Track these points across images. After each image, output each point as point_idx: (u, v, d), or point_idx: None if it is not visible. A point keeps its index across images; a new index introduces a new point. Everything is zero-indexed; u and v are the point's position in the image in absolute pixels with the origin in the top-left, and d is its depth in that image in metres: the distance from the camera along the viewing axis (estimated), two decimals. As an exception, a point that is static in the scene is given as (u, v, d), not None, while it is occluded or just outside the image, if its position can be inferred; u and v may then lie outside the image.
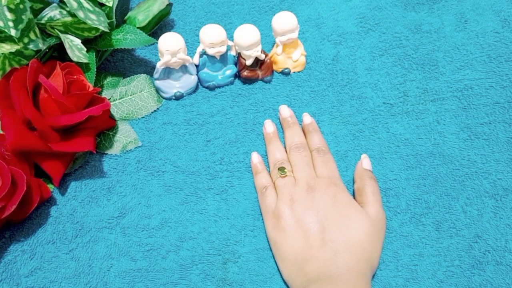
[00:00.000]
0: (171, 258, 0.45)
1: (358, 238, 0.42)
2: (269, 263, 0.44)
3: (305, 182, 0.45)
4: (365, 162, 0.48)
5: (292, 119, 0.51)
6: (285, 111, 0.51)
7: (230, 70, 0.53)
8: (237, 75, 0.54)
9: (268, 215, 0.45)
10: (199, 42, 0.52)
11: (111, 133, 0.51)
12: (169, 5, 0.56)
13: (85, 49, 0.49)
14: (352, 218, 0.43)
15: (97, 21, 0.48)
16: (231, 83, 0.54)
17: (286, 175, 0.46)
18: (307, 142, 0.49)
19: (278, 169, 0.47)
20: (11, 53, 0.46)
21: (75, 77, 0.47)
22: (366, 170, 0.47)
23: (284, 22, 0.51)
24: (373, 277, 0.43)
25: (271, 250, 0.45)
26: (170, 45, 0.49)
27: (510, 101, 0.52)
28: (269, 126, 0.51)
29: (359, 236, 0.42)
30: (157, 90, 0.53)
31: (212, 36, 0.50)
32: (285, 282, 0.43)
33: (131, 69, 0.55)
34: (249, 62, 0.52)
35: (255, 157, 0.49)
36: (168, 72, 0.51)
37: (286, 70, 0.54)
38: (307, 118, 0.51)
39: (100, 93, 0.52)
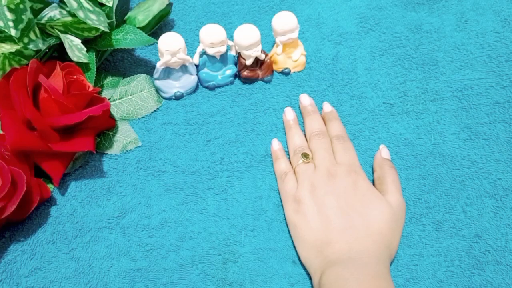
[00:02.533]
0: (171, 258, 0.45)
1: (378, 225, 0.42)
2: (269, 263, 0.44)
3: (325, 168, 0.45)
4: (384, 151, 0.49)
5: (312, 107, 0.51)
6: (305, 100, 0.52)
7: (230, 70, 0.53)
8: (237, 75, 0.54)
9: (288, 200, 0.45)
10: (199, 42, 0.52)
11: (111, 133, 0.51)
12: (169, 5, 0.56)
13: (85, 49, 0.49)
14: (372, 205, 0.43)
15: (97, 21, 0.48)
16: (231, 83, 0.54)
17: (308, 161, 0.47)
18: (327, 129, 0.50)
19: (301, 155, 0.47)
20: (11, 53, 0.46)
21: (75, 77, 0.47)
22: (385, 159, 0.48)
23: (284, 22, 0.51)
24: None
25: (271, 250, 0.45)
26: (170, 45, 0.49)
27: (510, 101, 0.52)
28: (289, 113, 0.51)
29: (379, 223, 0.42)
30: (157, 90, 0.53)
31: (212, 36, 0.50)
32: (302, 265, 0.43)
33: (131, 69, 0.55)
34: (249, 62, 0.52)
35: (276, 144, 0.50)
36: (168, 72, 0.51)
37: (286, 70, 0.54)
38: (327, 107, 0.51)
39: (100, 93, 0.52)
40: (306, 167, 0.46)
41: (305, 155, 0.47)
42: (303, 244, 0.43)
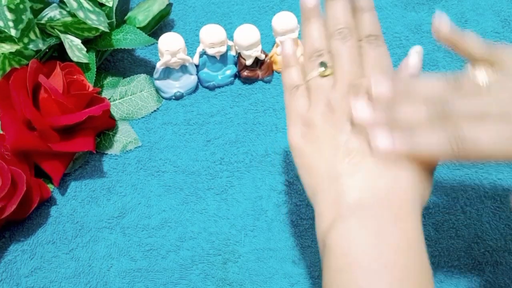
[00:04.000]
0: (171, 258, 0.45)
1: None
2: (269, 263, 0.44)
3: (347, 85, 0.34)
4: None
5: None
6: None
7: (230, 70, 0.53)
8: (237, 75, 0.54)
9: (295, 120, 0.36)
10: (199, 42, 0.52)
11: (111, 133, 0.51)
12: (169, 5, 0.56)
13: (85, 49, 0.49)
14: None
15: (97, 21, 0.48)
16: (231, 83, 0.54)
17: (326, 74, 0.35)
18: (356, 25, 0.37)
19: (318, 63, 0.36)
20: (11, 53, 0.46)
21: (75, 77, 0.47)
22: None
23: (284, 22, 0.51)
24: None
25: (271, 250, 0.45)
26: (170, 45, 0.49)
27: (510, 101, 0.52)
28: None
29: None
30: (157, 90, 0.53)
31: (212, 36, 0.50)
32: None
33: (131, 69, 0.55)
34: (249, 62, 0.52)
35: (288, 46, 0.38)
36: (168, 72, 0.51)
37: (286, 70, 0.54)
38: None
39: (100, 93, 0.52)
40: (322, 82, 0.35)
41: (323, 64, 0.35)
42: (311, 173, 0.34)
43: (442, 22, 0.35)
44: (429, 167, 0.33)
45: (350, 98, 0.33)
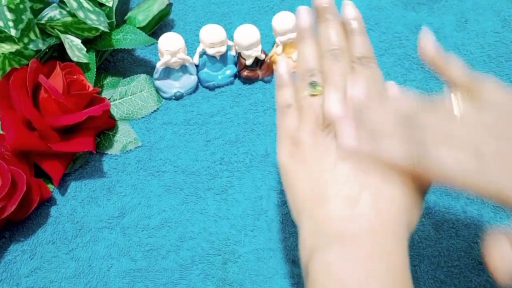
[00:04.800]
0: (171, 258, 0.45)
1: (398, 182, 0.32)
2: (269, 263, 0.44)
3: None
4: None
5: (332, 9, 0.37)
6: None
7: (230, 70, 0.53)
8: (237, 75, 0.54)
9: (284, 139, 0.36)
10: (199, 42, 0.52)
11: (111, 133, 0.51)
12: (169, 5, 0.56)
13: (85, 49, 0.49)
14: None
15: (97, 21, 0.48)
16: (231, 83, 0.54)
17: (316, 94, 0.35)
18: (349, 45, 0.37)
19: (308, 84, 0.36)
20: (11, 53, 0.46)
21: (75, 77, 0.47)
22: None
23: (284, 22, 0.51)
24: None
25: (271, 250, 0.45)
26: (170, 45, 0.49)
27: (510, 101, 0.52)
28: (304, 17, 0.37)
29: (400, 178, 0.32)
30: (157, 90, 0.53)
31: (212, 36, 0.50)
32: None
33: (131, 69, 0.55)
34: (249, 62, 0.52)
35: (282, 66, 0.38)
36: (168, 72, 0.51)
37: (286, 70, 0.54)
38: (349, 11, 0.37)
39: (100, 93, 0.52)
40: (312, 101, 0.35)
41: (313, 85, 0.35)
42: (295, 193, 0.34)
43: (427, 44, 0.35)
44: (420, 190, 0.32)
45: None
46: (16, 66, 0.47)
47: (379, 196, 0.31)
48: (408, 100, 0.33)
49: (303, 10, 0.38)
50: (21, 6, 0.44)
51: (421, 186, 0.33)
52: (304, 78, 0.36)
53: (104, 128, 0.50)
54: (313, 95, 0.36)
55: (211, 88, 0.53)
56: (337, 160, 0.32)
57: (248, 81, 0.54)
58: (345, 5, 0.37)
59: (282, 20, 0.51)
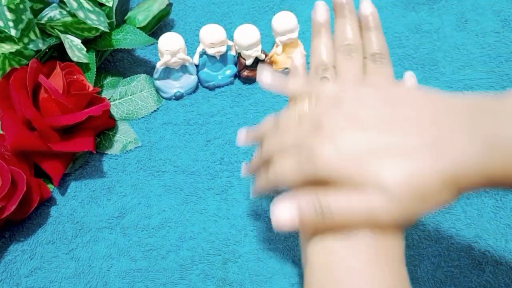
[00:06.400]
0: (171, 258, 0.45)
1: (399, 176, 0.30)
2: (269, 263, 0.44)
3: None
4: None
5: (351, 7, 0.37)
6: None
7: (230, 70, 0.53)
8: (237, 75, 0.54)
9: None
10: (199, 42, 0.52)
11: (111, 133, 0.51)
12: (169, 5, 0.56)
13: (85, 49, 0.49)
14: None
15: (97, 21, 0.48)
16: (231, 83, 0.54)
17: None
18: (364, 42, 0.37)
19: (321, 78, 0.36)
20: (11, 53, 0.46)
21: (75, 77, 0.47)
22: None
23: (284, 22, 0.51)
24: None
25: (271, 250, 0.45)
26: (170, 45, 0.49)
27: (510, 101, 0.52)
28: (321, 11, 0.38)
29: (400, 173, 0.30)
30: (157, 90, 0.53)
31: (212, 36, 0.50)
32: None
33: (131, 69, 0.55)
34: (249, 62, 0.52)
35: (298, 58, 0.38)
36: (168, 72, 0.51)
37: (286, 70, 0.54)
38: (366, 7, 0.37)
39: (100, 93, 0.52)
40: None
41: (324, 80, 0.35)
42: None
43: (263, 76, 0.37)
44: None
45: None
46: (16, 66, 0.47)
47: (374, 194, 0.30)
48: (266, 122, 0.37)
49: (321, 5, 0.38)
50: (21, 6, 0.44)
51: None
52: (317, 71, 0.36)
53: (104, 128, 0.50)
54: None
55: (211, 88, 0.53)
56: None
57: (248, 81, 0.54)
58: (363, 1, 0.37)
59: (282, 20, 0.51)
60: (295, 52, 0.39)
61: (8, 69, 0.46)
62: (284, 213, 0.31)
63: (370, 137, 0.29)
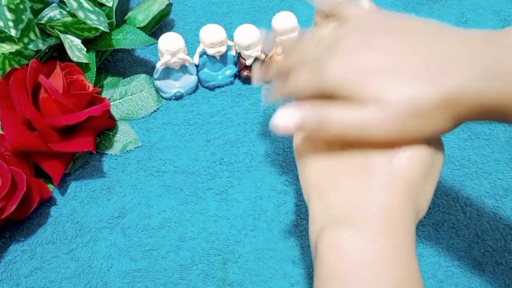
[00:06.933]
0: (171, 258, 0.45)
1: (404, 170, 0.31)
2: (269, 263, 0.44)
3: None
4: None
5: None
6: None
7: (230, 70, 0.53)
8: (237, 75, 0.54)
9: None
10: (199, 42, 0.52)
11: (111, 133, 0.51)
12: (169, 5, 0.56)
13: (85, 49, 0.49)
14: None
15: (97, 21, 0.48)
16: (231, 83, 0.54)
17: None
18: None
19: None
20: (11, 53, 0.46)
21: (75, 77, 0.47)
22: None
23: (284, 22, 0.51)
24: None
25: (271, 250, 0.45)
26: (170, 45, 0.49)
27: (510, 101, 0.52)
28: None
29: (408, 165, 0.31)
30: (157, 90, 0.53)
31: (212, 36, 0.50)
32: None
33: (131, 69, 0.55)
34: (249, 62, 0.52)
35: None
36: (168, 72, 0.51)
37: (286, 70, 0.54)
38: (364, 4, 0.37)
39: (100, 93, 0.52)
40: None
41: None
42: (306, 180, 0.35)
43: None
44: (428, 180, 0.32)
45: None
46: (16, 66, 0.47)
47: (387, 188, 0.31)
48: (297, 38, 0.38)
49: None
50: (21, 6, 0.44)
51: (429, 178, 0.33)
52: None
53: (104, 128, 0.50)
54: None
55: (211, 88, 0.53)
56: (344, 147, 0.33)
57: (248, 81, 0.54)
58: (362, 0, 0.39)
59: (282, 20, 0.51)
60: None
61: (8, 69, 0.46)
62: (286, 116, 0.32)
63: (379, 58, 0.31)
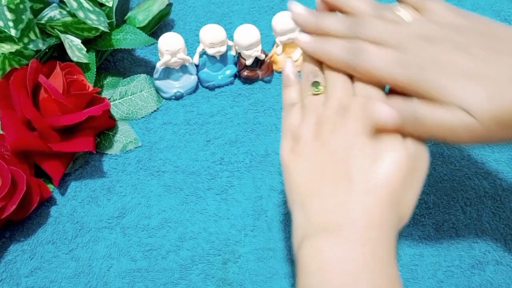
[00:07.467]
0: (171, 258, 0.45)
1: (385, 175, 0.32)
2: (269, 263, 0.44)
3: (336, 101, 0.35)
4: None
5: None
6: None
7: (230, 70, 0.53)
8: (237, 75, 0.54)
9: (287, 136, 0.37)
10: (199, 42, 0.52)
11: (111, 133, 0.51)
12: (169, 5, 0.56)
13: (85, 49, 0.49)
14: (384, 146, 0.33)
15: (97, 21, 0.48)
16: (231, 83, 0.54)
17: (318, 93, 0.37)
18: None
19: (311, 84, 0.37)
20: (11, 53, 0.46)
21: (75, 77, 0.47)
22: None
23: (284, 22, 0.51)
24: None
25: (271, 250, 0.45)
26: (170, 45, 0.49)
27: (510, 101, 0.52)
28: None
29: (388, 171, 0.32)
30: (157, 90, 0.53)
31: (212, 36, 0.50)
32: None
33: (131, 69, 0.55)
34: (249, 62, 0.52)
35: (289, 67, 0.39)
36: (168, 72, 0.51)
37: (286, 70, 0.54)
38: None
39: (100, 93, 0.52)
40: (315, 100, 0.37)
41: (315, 84, 0.37)
42: (290, 186, 0.35)
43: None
44: (411, 186, 0.33)
45: (338, 115, 0.35)
46: (16, 66, 0.47)
47: (371, 194, 0.32)
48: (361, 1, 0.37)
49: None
50: (21, 6, 0.44)
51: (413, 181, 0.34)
52: (307, 78, 0.38)
53: (104, 128, 0.50)
54: (315, 94, 0.37)
55: (211, 88, 0.53)
56: (335, 155, 0.34)
57: (248, 81, 0.54)
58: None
59: (282, 20, 0.51)
60: (285, 60, 0.41)
61: (8, 69, 0.46)
62: (385, 111, 0.33)
63: (475, 65, 0.32)
